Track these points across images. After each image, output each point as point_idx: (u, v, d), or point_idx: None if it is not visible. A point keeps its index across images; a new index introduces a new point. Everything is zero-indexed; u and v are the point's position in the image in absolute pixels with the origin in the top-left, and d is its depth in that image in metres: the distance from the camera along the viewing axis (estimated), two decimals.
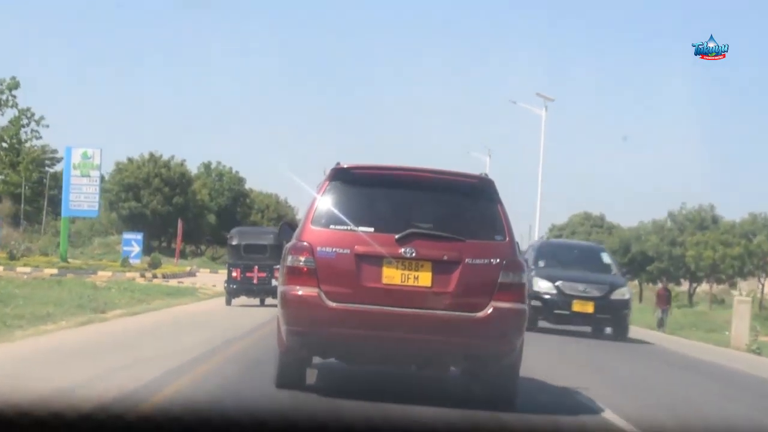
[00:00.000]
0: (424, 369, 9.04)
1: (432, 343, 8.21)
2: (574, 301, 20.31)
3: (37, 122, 47.75)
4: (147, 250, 55.30)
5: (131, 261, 41.94)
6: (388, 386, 9.55)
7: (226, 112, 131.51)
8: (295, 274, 8.16)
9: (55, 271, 33.60)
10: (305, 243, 8.19)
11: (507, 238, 8.34)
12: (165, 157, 60.61)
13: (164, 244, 69.82)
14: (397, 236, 8.03)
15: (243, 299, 22.29)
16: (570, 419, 8.79)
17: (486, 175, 8.83)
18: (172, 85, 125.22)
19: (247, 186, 77.16)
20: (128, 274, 34.49)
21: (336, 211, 8.38)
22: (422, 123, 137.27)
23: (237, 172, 76.31)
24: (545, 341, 17.13)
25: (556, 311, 20.22)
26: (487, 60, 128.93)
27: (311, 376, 8.91)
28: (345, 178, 8.49)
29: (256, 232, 26.78)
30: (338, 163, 8.51)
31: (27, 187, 63.10)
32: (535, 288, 19.47)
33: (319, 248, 8.08)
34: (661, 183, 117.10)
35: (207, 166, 71.04)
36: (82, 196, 42.56)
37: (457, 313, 8.00)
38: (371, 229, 8.18)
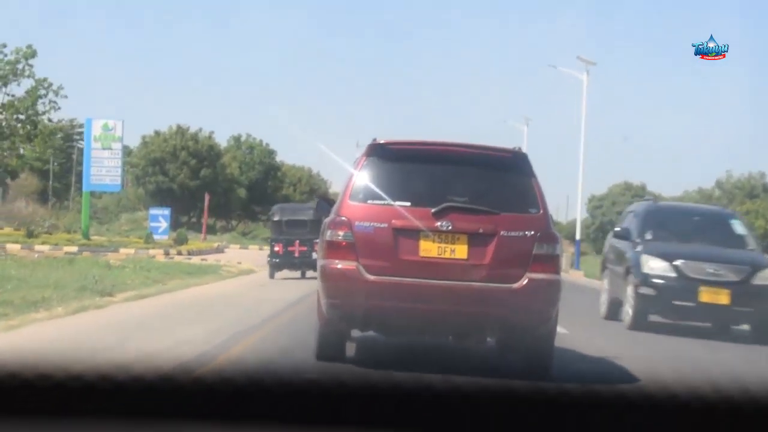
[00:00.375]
0: (462, 340, 9.17)
1: (469, 315, 8.41)
2: (701, 288, 14.49)
3: (56, 92, 46.04)
4: (175, 225, 54.50)
5: (158, 237, 41.44)
6: (425, 357, 9.84)
7: (257, 83, 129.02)
8: (334, 248, 8.37)
9: (75, 248, 32.73)
10: (344, 218, 8.38)
11: (541, 211, 8.54)
12: (192, 130, 57.08)
13: (193, 220, 69.38)
14: (433, 210, 8.26)
15: (285, 272, 24.37)
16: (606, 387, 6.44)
17: (520, 148, 8.97)
18: (202, 56, 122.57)
19: (278, 159, 72.23)
20: (151, 251, 33.44)
21: (373, 186, 8.59)
22: (460, 93, 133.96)
23: (267, 144, 74.45)
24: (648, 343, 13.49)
25: (676, 302, 14.65)
26: (526, 24, 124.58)
27: (350, 349, 9.10)
28: (381, 153, 8.77)
29: (297, 209, 27.51)
30: (374, 139, 8.77)
31: (56, 163, 61.14)
32: (645, 270, 14.66)
33: (357, 223, 8.30)
34: (704, 150, 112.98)
35: (237, 139, 69.29)
36: (104, 169, 41.87)
37: (492, 284, 8.18)
38: (408, 204, 8.38)
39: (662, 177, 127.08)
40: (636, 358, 10.59)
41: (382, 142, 8.65)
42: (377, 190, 8.51)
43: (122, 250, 32.54)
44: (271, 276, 23.16)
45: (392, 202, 8.34)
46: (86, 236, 37.54)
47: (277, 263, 23.55)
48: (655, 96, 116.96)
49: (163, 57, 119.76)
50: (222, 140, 73.99)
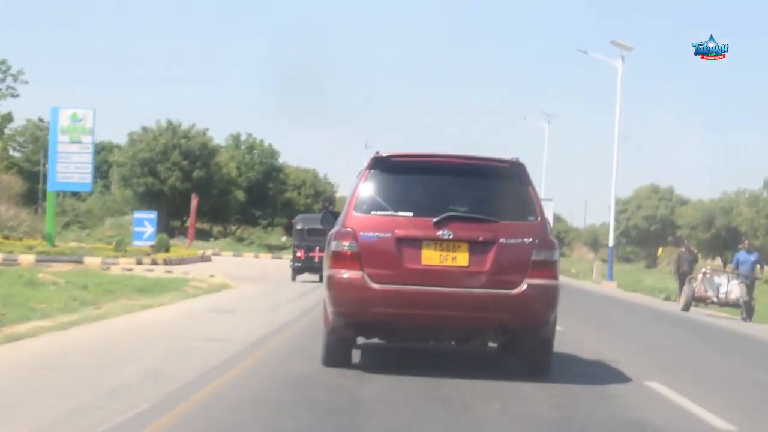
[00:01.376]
0: (464, 345, 9.53)
1: (470, 320, 8.88)
2: None
3: (15, 77, 40.60)
4: (166, 231, 52.45)
5: (141, 243, 39.65)
6: (429, 362, 10.26)
7: (257, 80, 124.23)
8: (339, 258, 8.82)
9: (32, 257, 29.94)
10: (349, 228, 8.90)
11: (539, 218, 8.99)
12: (185, 126, 51.59)
13: (187, 225, 65.15)
14: (434, 220, 8.79)
15: (306, 276, 27.39)
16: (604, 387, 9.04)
17: (518, 159, 9.34)
18: (196, 49, 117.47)
19: (280, 160, 64.39)
20: (123, 261, 30.77)
21: (376, 198, 9.10)
22: (478, 87, 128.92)
23: (270, 144, 64.70)
24: None
25: None
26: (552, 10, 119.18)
27: (355, 356, 9.63)
28: (384, 166, 9.27)
29: (317, 218, 24.97)
30: (377, 152, 9.32)
31: (45, 165, 55.96)
32: None
33: (361, 233, 8.82)
34: (739, 151, 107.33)
35: (236, 138, 64.43)
36: (72, 166, 37.54)
37: (493, 290, 8.68)
38: (410, 214, 8.94)
39: (690, 179, 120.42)
40: None
41: (384, 154, 9.24)
42: (380, 201, 9.02)
43: (88, 259, 29.94)
44: (293, 279, 27.47)
45: (395, 213, 8.95)
46: (51, 243, 34.38)
47: (299, 267, 27.55)
48: (683, 96, 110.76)
49: (156, 48, 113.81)
50: (219, 139, 71.59)
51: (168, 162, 54.19)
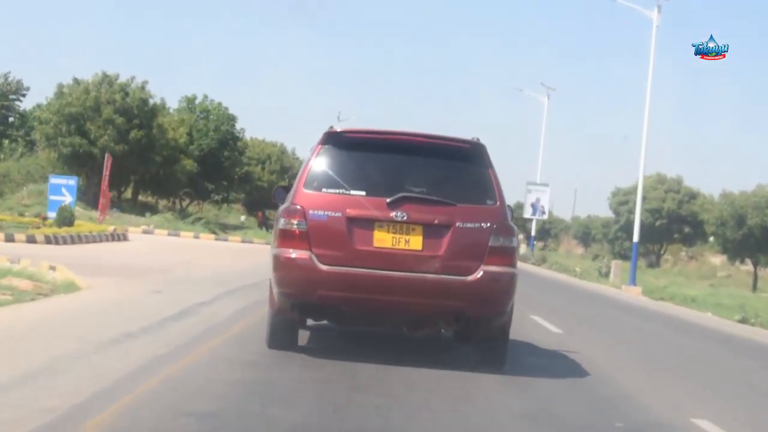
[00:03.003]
0: (416, 331, 9.76)
1: (422, 306, 8.97)
2: None
3: None
4: (92, 200, 46.16)
5: (53, 216, 31.90)
6: (380, 348, 10.37)
7: (217, 40, 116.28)
8: (287, 237, 8.87)
9: None
10: (297, 206, 8.88)
11: (498, 203, 9.09)
12: (123, 80, 41.89)
13: (127, 196, 59.73)
14: (388, 200, 8.82)
15: None
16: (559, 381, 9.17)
17: (478, 139, 9.54)
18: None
19: (238, 126, 67.07)
20: (18, 236, 24.98)
21: (328, 175, 9.07)
22: (468, 49, 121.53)
23: (227, 108, 65.65)
24: None
25: None
26: None
27: (303, 338, 9.87)
28: (337, 141, 9.27)
29: None
30: (331, 127, 9.39)
31: None
32: None
33: (311, 211, 8.83)
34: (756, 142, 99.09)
35: (190, 101, 55.32)
36: None
37: (447, 276, 8.78)
38: (363, 193, 8.94)
39: (701, 170, 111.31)
40: None
41: (338, 130, 9.36)
42: (332, 178, 9.01)
43: None
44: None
45: (347, 191, 8.92)
46: None
47: None
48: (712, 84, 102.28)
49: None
50: (173, 100, 67.36)
51: (99, 119, 44.15)
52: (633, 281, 35.34)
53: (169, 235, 41.89)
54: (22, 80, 65.38)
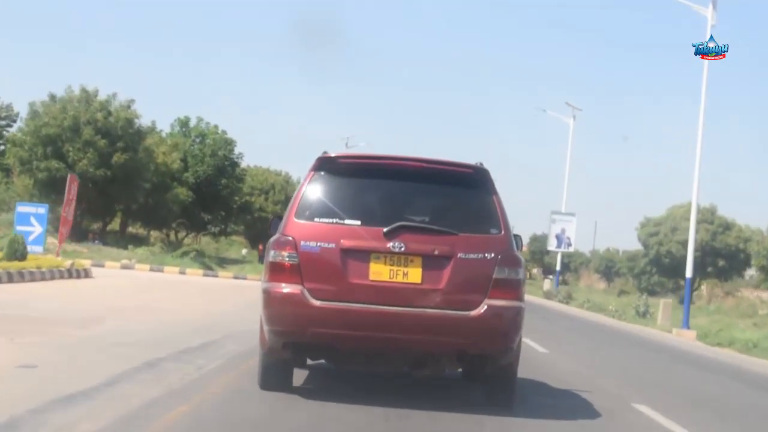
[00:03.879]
0: (418, 371, 9.38)
1: (423, 344, 8.59)
2: None
3: None
4: (76, 232, 41.25)
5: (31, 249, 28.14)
6: (383, 387, 9.96)
7: (218, 62, 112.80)
8: (277, 270, 8.47)
9: None
10: (288, 237, 8.52)
11: (503, 232, 8.68)
12: (103, 96, 37.13)
13: (109, 225, 53.85)
14: (385, 230, 8.41)
15: None
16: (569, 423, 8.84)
17: (481, 164, 9.14)
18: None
19: (236, 150, 63.30)
20: None
21: (321, 203, 8.71)
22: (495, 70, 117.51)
23: (224, 131, 61.68)
24: None
25: None
26: None
27: (300, 377, 9.59)
28: (330, 167, 8.90)
29: None
30: (324, 152, 9.07)
31: None
32: None
33: (302, 242, 8.45)
34: None
35: (184, 123, 49.30)
36: None
37: (449, 311, 8.35)
38: (358, 222, 8.54)
39: (737, 198, 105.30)
40: None
41: (332, 155, 9.01)
42: (325, 207, 8.65)
43: None
44: None
45: (341, 221, 8.54)
46: None
47: None
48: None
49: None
50: (164, 124, 66.70)
51: (79, 141, 39.08)
52: (686, 324, 31.44)
53: (151, 270, 39.04)
54: (12, 104, 60.65)
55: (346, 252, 8.27)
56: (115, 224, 55.04)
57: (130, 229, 56.83)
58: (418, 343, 8.43)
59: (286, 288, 8.26)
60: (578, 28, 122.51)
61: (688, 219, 68.50)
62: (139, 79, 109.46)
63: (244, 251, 69.10)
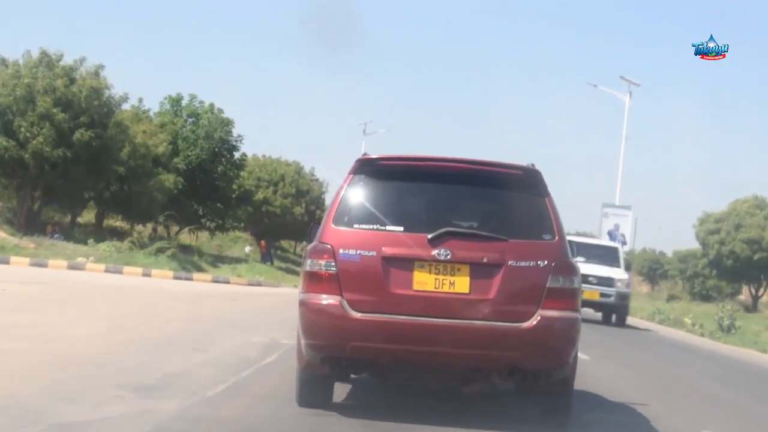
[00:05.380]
0: (466, 386, 8.99)
1: (471, 358, 8.23)
2: None
3: None
4: (28, 226, 35.13)
5: None
6: (430, 403, 9.58)
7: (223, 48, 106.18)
8: (314, 281, 8.06)
9: None
10: (327, 245, 8.10)
11: (556, 237, 8.21)
12: (68, 61, 28.89)
13: (82, 217, 46.57)
14: (429, 236, 7.96)
15: None
16: None
17: (533, 165, 8.74)
18: None
19: (235, 132, 52.78)
20: None
21: (361, 208, 8.29)
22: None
23: (220, 110, 52.24)
24: None
25: None
26: None
27: (342, 393, 9.44)
28: (371, 170, 8.47)
29: None
30: (364, 154, 8.80)
31: None
32: None
33: (341, 250, 8.03)
34: None
35: (175, 102, 39.06)
36: None
37: (499, 323, 7.91)
38: (400, 229, 8.08)
39: None
40: None
41: (372, 156, 8.70)
42: (365, 212, 8.26)
43: None
44: None
45: (382, 227, 8.10)
46: None
47: None
48: None
49: None
50: (152, 102, 59.73)
51: (33, 114, 30.90)
52: None
53: (106, 271, 32.30)
54: None
55: (388, 260, 7.90)
56: (90, 216, 47.28)
57: (111, 222, 49.10)
58: (465, 357, 8.14)
59: (324, 299, 7.90)
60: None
61: (753, 214, 60.77)
62: (142, 60, 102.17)
63: (247, 249, 62.74)
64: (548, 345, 7.90)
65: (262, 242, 60.97)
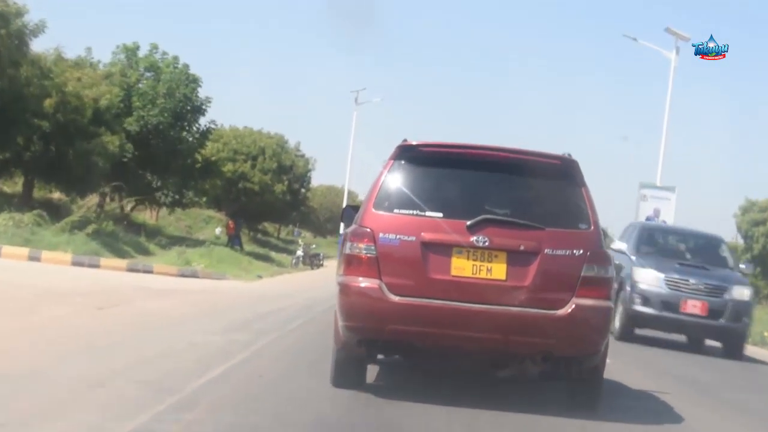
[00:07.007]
0: (499, 371, 9.72)
1: (506, 344, 8.75)
2: None
3: None
4: None
5: None
6: (458, 385, 10.01)
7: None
8: (354, 264, 8.45)
9: None
10: (367, 228, 8.52)
11: (592, 227, 8.69)
12: None
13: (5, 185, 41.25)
14: (468, 223, 8.44)
15: None
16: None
17: (569, 155, 9.33)
18: None
19: (202, 93, 43.86)
20: None
21: (401, 194, 8.69)
22: None
23: (186, 65, 43.23)
24: None
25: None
26: None
27: (372, 373, 10.30)
28: (411, 156, 8.91)
29: None
30: (404, 140, 9.45)
31: None
32: None
33: (381, 235, 8.45)
34: None
35: (131, 51, 28.77)
36: None
37: (534, 310, 8.38)
38: (440, 215, 8.52)
39: None
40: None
41: (413, 143, 9.33)
42: (405, 198, 8.76)
43: None
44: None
45: (422, 213, 8.53)
46: None
47: None
48: None
49: None
50: (103, 52, 51.24)
51: None
52: None
53: (74, 264, 24.75)
54: None
55: (427, 245, 8.37)
56: (17, 185, 38.92)
57: (45, 193, 40.62)
58: (500, 342, 8.79)
59: (363, 282, 8.35)
60: None
61: None
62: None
63: (218, 230, 56.18)
64: (582, 333, 8.31)
65: (230, 222, 52.56)
